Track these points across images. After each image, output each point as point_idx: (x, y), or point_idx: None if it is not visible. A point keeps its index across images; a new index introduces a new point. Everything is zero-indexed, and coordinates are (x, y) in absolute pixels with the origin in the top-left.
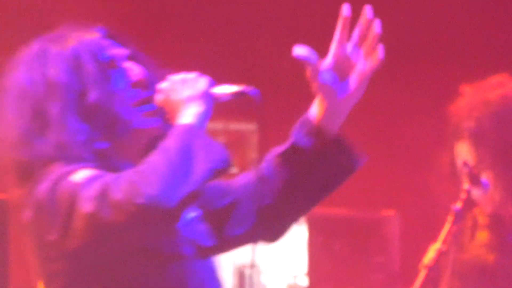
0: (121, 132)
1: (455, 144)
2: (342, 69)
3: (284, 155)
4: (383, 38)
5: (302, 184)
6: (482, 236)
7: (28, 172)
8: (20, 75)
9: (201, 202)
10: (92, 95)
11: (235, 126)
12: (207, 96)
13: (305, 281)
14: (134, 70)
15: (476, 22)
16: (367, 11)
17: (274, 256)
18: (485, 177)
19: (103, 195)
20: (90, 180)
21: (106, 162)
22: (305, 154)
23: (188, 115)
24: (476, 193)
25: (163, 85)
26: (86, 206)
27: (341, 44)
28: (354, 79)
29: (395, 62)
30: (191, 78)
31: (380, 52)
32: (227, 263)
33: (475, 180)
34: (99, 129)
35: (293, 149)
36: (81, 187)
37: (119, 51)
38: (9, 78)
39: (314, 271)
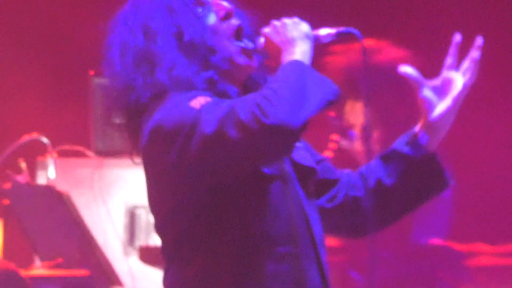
0: (219, 63)
1: (347, 102)
2: (444, 90)
3: (383, 157)
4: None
5: (391, 189)
6: None
7: (140, 111)
8: (119, 30)
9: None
10: (188, 35)
11: None
12: (310, 37)
13: None
14: (221, 4)
15: None
16: (479, 40)
17: None
18: (376, 134)
19: (228, 116)
20: (211, 105)
21: (214, 88)
22: (401, 161)
23: (296, 53)
24: (344, 143)
25: (265, 29)
26: (209, 127)
27: (450, 69)
28: (450, 100)
29: None
30: (294, 21)
31: (475, 74)
32: (119, 204)
33: (343, 132)
34: (200, 62)
35: (392, 154)
36: (202, 111)
37: None
38: (110, 35)
39: None
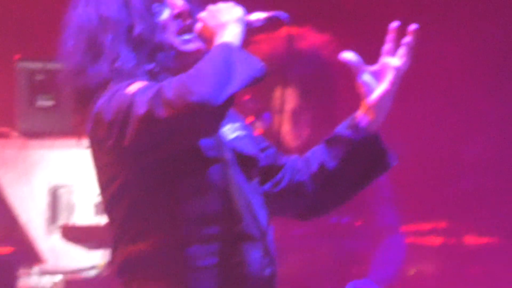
0: (164, 59)
1: (276, 88)
2: (382, 74)
3: (327, 141)
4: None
5: (334, 172)
6: None
7: (87, 96)
8: (77, 12)
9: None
10: (138, 28)
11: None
12: (242, 21)
13: None
14: (176, 3)
15: None
16: (413, 26)
17: (84, 178)
18: (306, 117)
19: (156, 96)
20: (144, 88)
21: (155, 80)
22: (343, 144)
23: (227, 36)
24: (259, 125)
25: (202, 14)
26: (140, 109)
27: (388, 54)
28: (387, 83)
29: None
30: (227, 6)
31: (409, 59)
32: (42, 184)
33: (258, 114)
34: (145, 56)
35: (334, 138)
36: (136, 95)
37: None
38: (69, 15)
39: None
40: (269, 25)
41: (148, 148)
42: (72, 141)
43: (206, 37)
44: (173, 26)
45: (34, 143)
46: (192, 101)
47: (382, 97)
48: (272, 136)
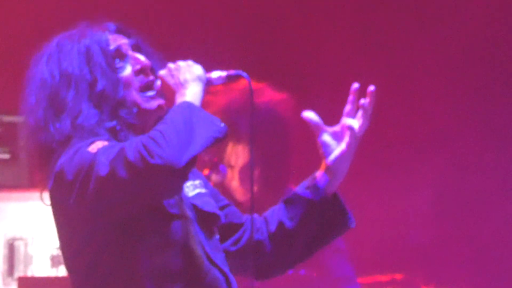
0: (126, 115)
1: (229, 142)
2: (342, 135)
3: (286, 201)
4: None
5: (292, 232)
6: None
7: (49, 152)
8: (39, 68)
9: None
10: (100, 84)
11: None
12: (202, 80)
13: None
14: (139, 59)
15: None
16: (371, 88)
17: (40, 230)
18: (256, 172)
19: (118, 157)
20: (105, 148)
21: (116, 137)
22: (301, 204)
23: (187, 95)
24: (215, 178)
25: (161, 72)
26: (102, 169)
27: (349, 116)
28: (344, 144)
29: None
30: (187, 64)
31: (367, 120)
32: None
33: (214, 167)
34: (107, 113)
35: (293, 197)
36: (98, 154)
37: (125, 43)
38: (31, 71)
39: None
40: (230, 83)
41: (110, 207)
42: (28, 194)
43: (166, 95)
44: (135, 82)
45: None
46: (154, 163)
47: (340, 158)
48: (225, 189)
